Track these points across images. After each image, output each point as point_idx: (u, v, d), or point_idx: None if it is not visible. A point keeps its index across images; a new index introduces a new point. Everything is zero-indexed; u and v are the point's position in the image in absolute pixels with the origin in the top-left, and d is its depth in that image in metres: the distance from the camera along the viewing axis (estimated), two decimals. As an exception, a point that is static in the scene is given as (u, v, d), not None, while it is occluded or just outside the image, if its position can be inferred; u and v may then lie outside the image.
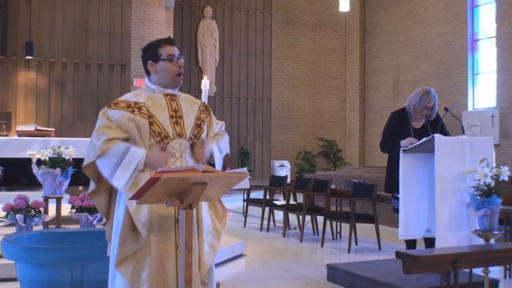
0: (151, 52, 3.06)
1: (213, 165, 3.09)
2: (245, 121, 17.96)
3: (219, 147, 3.16)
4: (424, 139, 4.85)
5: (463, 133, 5.20)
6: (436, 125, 5.37)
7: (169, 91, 3.07)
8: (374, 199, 7.40)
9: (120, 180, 2.84)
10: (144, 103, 2.96)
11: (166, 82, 3.05)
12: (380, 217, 8.17)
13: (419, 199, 4.99)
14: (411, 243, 5.35)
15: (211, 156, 3.10)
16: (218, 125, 3.25)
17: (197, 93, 17.00)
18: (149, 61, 3.05)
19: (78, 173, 6.30)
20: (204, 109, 3.16)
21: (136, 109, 2.94)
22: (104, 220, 3.11)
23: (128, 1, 14.76)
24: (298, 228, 8.56)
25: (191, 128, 3.02)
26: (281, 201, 10.29)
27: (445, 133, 5.28)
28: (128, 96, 3.03)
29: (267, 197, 9.19)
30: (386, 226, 8.89)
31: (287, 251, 7.50)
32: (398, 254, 3.43)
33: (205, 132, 3.10)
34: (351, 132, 19.19)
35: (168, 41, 3.09)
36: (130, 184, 2.84)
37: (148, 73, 3.10)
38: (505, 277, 5.61)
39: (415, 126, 5.42)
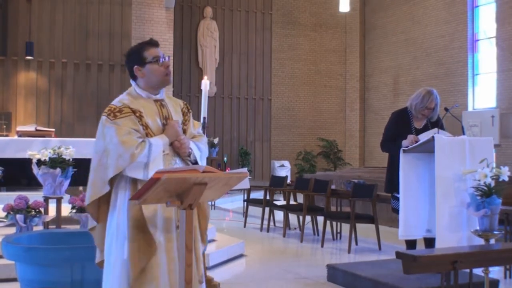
0: (136, 57, 3.02)
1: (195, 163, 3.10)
2: (245, 121, 17.95)
3: (198, 146, 3.12)
4: (425, 139, 4.86)
5: (463, 133, 5.20)
6: (437, 126, 5.37)
7: (158, 96, 3.06)
8: (374, 199, 7.40)
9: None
10: (141, 112, 2.96)
11: (155, 84, 3.03)
12: (380, 217, 8.17)
13: (419, 199, 4.99)
14: (411, 243, 5.35)
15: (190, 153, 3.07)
16: (196, 129, 3.23)
17: (197, 94, 17.01)
18: (135, 66, 3.01)
19: (78, 174, 6.31)
20: (186, 110, 3.19)
21: (138, 118, 2.95)
22: (94, 224, 3.05)
23: (128, 2, 14.75)
24: (298, 228, 8.56)
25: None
26: (281, 201, 10.27)
27: (443, 134, 5.29)
28: (125, 101, 2.99)
29: (267, 197, 9.18)
30: (386, 226, 8.89)
31: (287, 252, 7.50)
32: (398, 254, 3.43)
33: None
34: (351, 132, 19.18)
35: (151, 43, 3.06)
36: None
37: (134, 77, 3.06)
38: (505, 277, 5.61)
39: (417, 127, 5.43)
